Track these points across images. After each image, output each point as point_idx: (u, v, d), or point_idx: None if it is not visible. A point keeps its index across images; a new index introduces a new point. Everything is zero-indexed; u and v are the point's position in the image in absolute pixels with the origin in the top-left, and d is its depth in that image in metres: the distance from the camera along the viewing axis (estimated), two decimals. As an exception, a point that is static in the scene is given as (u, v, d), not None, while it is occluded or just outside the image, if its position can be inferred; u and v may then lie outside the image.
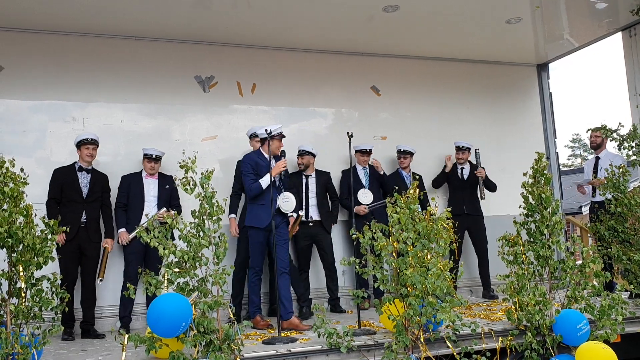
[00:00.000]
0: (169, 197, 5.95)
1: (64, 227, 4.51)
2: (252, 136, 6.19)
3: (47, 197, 5.55)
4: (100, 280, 5.53)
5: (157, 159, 5.97)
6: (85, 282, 5.57)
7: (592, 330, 4.63)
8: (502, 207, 7.22)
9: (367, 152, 6.90)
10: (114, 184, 5.91)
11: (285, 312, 5.04)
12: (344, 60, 7.48)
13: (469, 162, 7.31)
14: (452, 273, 4.68)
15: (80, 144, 5.67)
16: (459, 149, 7.27)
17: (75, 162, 5.71)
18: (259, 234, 5.26)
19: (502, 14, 6.69)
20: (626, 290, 6.08)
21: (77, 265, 5.53)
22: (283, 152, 5.34)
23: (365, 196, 6.58)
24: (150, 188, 5.90)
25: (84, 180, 5.64)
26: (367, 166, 6.95)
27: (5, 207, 3.84)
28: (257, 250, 5.31)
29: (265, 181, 5.18)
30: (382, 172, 6.96)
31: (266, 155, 5.22)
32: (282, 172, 5.24)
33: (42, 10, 5.85)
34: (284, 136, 5.38)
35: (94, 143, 5.70)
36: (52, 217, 4.36)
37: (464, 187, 7.20)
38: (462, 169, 7.30)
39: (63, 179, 5.60)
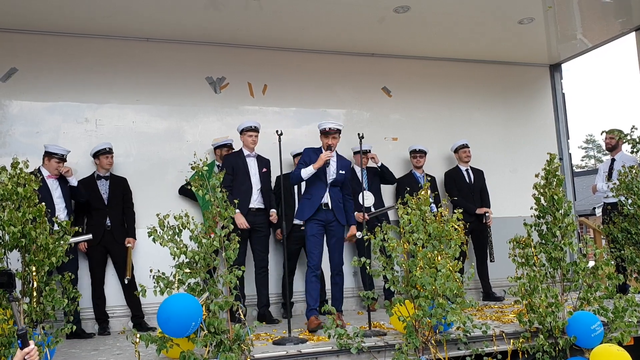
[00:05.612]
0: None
1: (77, 227, 4.58)
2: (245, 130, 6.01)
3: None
4: (128, 279, 5.68)
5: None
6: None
7: (605, 333, 4.59)
8: (513, 208, 7.15)
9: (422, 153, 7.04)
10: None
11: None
12: (355, 61, 7.47)
13: (471, 167, 7.23)
14: (462, 275, 4.66)
15: (98, 154, 5.86)
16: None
17: (95, 172, 5.92)
18: (313, 227, 5.23)
19: (515, 14, 6.65)
20: (639, 293, 6.02)
21: (104, 266, 5.86)
22: (330, 147, 5.33)
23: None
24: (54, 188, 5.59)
25: (103, 187, 5.87)
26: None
27: (18, 207, 3.88)
28: (313, 244, 5.24)
29: (307, 171, 5.21)
30: (379, 164, 6.81)
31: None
32: (340, 170, 5.34)
33: (56, 13, 5.90)
34: (339, 131, 5.37)
35: (111, 152, 5.90)
36: (77, 224, 5.22)
37: (473, 189, 7.15)
38: (467, 171, 7.22)
39: (85, 190, 5.76)
